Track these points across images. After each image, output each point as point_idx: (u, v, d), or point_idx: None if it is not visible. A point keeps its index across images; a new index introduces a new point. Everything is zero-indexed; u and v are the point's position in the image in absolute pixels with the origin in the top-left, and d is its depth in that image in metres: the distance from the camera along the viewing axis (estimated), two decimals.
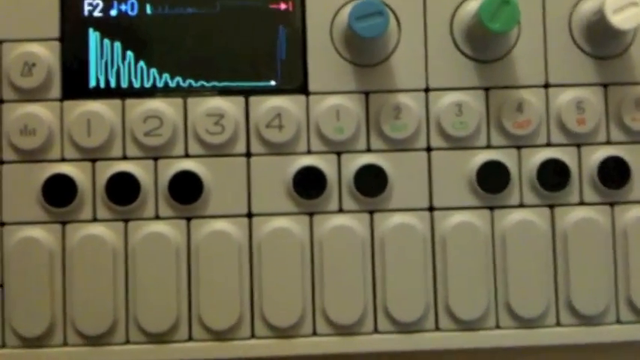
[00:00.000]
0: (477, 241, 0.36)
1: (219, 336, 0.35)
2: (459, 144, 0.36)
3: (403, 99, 0.36)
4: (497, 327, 0.36)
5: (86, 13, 0.36)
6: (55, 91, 0.36)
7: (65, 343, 0.35)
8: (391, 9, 0.36)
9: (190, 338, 0.35)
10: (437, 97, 0.36)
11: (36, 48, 0.36)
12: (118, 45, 0.36)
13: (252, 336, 0.35)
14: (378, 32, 0.34)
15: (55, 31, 0.36)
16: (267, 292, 0.35)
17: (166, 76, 0.36)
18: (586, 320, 0.36)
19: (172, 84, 0.36)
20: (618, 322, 0.36)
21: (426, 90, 0.36)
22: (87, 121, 0.35)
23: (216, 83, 0.36)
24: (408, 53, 0.36)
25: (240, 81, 0.36)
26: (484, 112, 0.36)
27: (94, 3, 0.36)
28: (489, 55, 0.37)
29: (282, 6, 0.37)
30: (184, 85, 0.36)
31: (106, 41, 0.36)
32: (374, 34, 0.34)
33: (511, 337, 0.36)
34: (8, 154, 0.35)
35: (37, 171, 0.35)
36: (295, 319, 0.35)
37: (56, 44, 0.36)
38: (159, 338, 0.35)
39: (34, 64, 0.35)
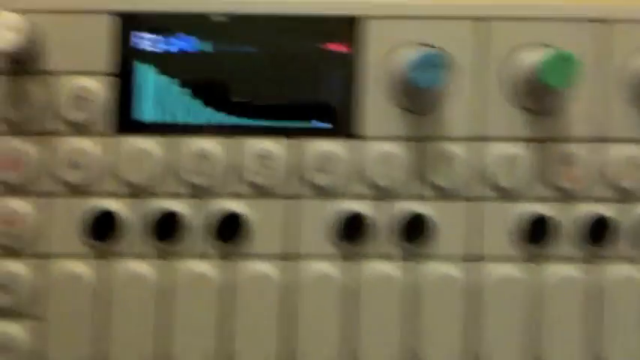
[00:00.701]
0: (518, 294, 0.36)
1: None
2: (507, 196, 0.36)
3: (455, 148, 0.36)
4: None
5: (138, 47, 0.36)
6: (106, 125, 0.36)
7: None
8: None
9: None
10: (489, 148, 0.36)
11: (89, 82, 0.36)
12: (168, 80, 0.36)
13: None
14: (437, 83, 0.34)
15: (108, 65, 0.36)
16: (304, 331, 0.35)
17: (215, 113, 0.36)
18: None
19: (221, 121, 0.36)
20: None
21: (480, 139, 0.36)
22: (136, 158, 0.36)
23: (268, 123, 0.36)
24: (461, 102, 0.36)
25: (290, 121, 0.36)
26: (535, 165, 0.36)
27: (146, 37, 0.36)
28: (543, 109, 0.36)
29: (336, 47, 0.37)
30: (233, 122, 0.36)
31: (156, 76, 0.36)
32: (433, 84, 0.34)
33: None
34: (53, 186, 0.36)
35: (84, 205, 0.36)
36: None
37: (109, 79, 0.36)
38: None
39: (86, 99, 0.36)
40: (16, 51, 0.34)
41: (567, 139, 0.36)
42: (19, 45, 0.34)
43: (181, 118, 0.36)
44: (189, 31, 0.36)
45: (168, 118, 0.36)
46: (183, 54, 0.37)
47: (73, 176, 0.36)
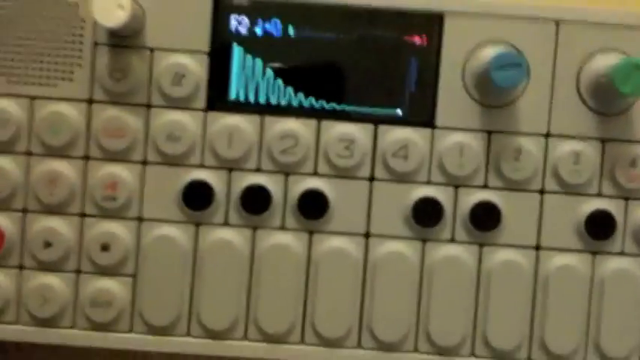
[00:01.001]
0: (579, 281, 0.39)
1: (329, 343, 0.39)
2: (571, 190, 0.39)
3: (524, 142, 0.38)
4: None
5: (233, 29, 0.39)
6: (201, 101, 0.38)
7: (189, 334, 0.39)
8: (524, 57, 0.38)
9: (303, 341, 0.39)
10: (556, 144, 0.39)
11: (186, 59, 0.38)
12: (259, 62, 0.39)
13: (359, 346, 0.39)
14: (515, 83, 0.36)
15: (204, 44, 0.38)
16: (377, 308, 0.38)
17: (301, 95, 0.39)
18: None
19: (306, 104, 0.39)
20: None
21: (547, 135, 0.39)
22: (228, 134, 0.38)
23: (346, 107, 0.39)
24: (534, 99, 0.39)
25: (370, 107, 0.39)
26: (599, 163, 0.39)
27: (241, 19, 0.39)
28: (611, 110, 0.39)
29: (417, 40, 0.39)
30: (317, 106, 0.39)
31: (248, 57, 0.39)
32: (511, 84, 0.36)
33: None
34: (153, 156, 0.38)
35: (178, 175, 0.38)
36: (400, 336, 0.39)
37: (204, 57, 0.38)
38: (276, 338, 0.39)
39: (183, 75, 0.38)
40: (123, 28, 0.36)
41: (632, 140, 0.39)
42: (127, 22, 0.36)
43: (265, 97, 0.39)
44: (279, 17, 0.39)
45: (254, 97, 0.39)
46: (271, 37, 0.39)
47: (170, 147, 0.38)
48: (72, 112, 0.38)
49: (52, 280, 0.38)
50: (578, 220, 0.39)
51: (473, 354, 0.39)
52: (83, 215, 0.39)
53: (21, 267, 0.39)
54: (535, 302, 0.39)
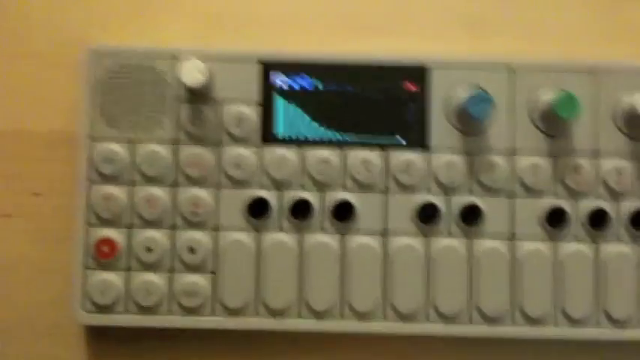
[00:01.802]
0: (543, 263, 0.51)
1: (361, 317, 0.50)
2: (533, 193, 0.51)
3: (496, 159, 0.51)
4: None
5: (276, 85, 0.52)
6: (257, 139, 0.51)
7: (257, 314, 0.50)
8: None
9: (342, 317, 0.50)
10: (519, 159, 0.51)
11: (244, 108, 0.51)
12: (298, 109, 0.52)
13: (384, 318, 0.50)
14: (487, 114, 0.49)
15: (257, 96, 0.51)
16: (397, 286, 0.50)
17: (329, 131, 0.51)
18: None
19: (333, 138, 0.51)
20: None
21: (512, 154, 0.51)
22: (278, 162, 0.50)
23: (364, 139, 0.51)
24: (500, 126, 0.51)
25: (380, 137, 0.51)
26: (552, 172, 0.51)
27: (282, 79, 0.52)
28: (557, 132, 0.51)
29: (411, 87, 0.52)
30: (341, 138, 0.51)
31: (290, 106, 0.52)
32: (483, 115, 0.49)
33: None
34: (224, 181, 0.50)
35: (244, 194, 0.50)
36: (414, 309, 0.50)
37: (257, 107, 0.51)
38: (322, 315, 0.50)
39: (243, 119, 0.51)
40: (200, 87, 0.49)
41: (575, 154, 0.52)
42: (203, 83, 0.49)
43: (304, 134, 0.51)
44: (309, 74, 0.51)
45: (295, 135, 0.51)
46: (304, 90, 0.52)
47: (236, 173, 0.50)
48: (163, 150, 0.50)
49: (153, 277, 0.50)
50: (540, 215, 0.51)
51: (470, 321, 0.51)
52: (174, 227, 0.50)
53: (129, 269, 0.50)
54: (513, 278, 0.51)
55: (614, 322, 0.51)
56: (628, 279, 0.51)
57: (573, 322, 0.51)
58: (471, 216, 0.51)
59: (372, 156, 0.51)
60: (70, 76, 0.52)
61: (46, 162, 0.53)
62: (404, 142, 0.51)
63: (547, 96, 0.51)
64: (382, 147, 0.51)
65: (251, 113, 0.51)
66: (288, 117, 0.51)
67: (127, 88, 0.51)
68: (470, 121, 0.51)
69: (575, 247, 0.51)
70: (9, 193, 0.53)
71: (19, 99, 0.53)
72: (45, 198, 0.53)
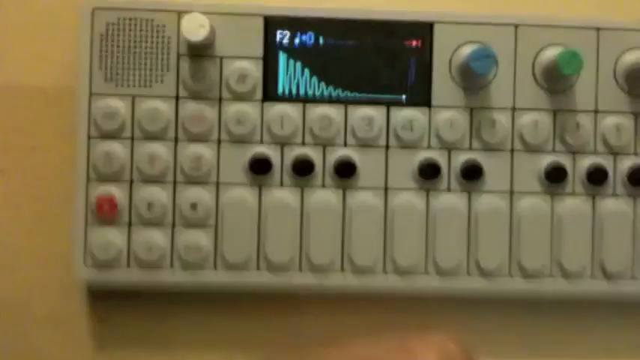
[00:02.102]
0: (542, 218, 0.51)
1: (362, 270, 0.51)
2: (533, 149, 0.52)
3: (497, 115, 0.51)
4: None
5: (278, 40, 0.51)
6: (258, 95, 0.51)
7: (258, 268, 0.50)
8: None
9: (342, 270, 0.51)
10: (520, 115, 0.51)
11: (246, 64, 0.50)
12: (299, 64, 0.51)
13: (384, 272, 0.51)
14: (489, 70, 0.49)
15: (259, 52, 0.51)
16: (397, 242, 0.51)
17: (331, 88, 0.51)
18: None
19: (335, 94, 0.51)
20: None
21: (513, 109, 0.52)
22: (280, 118, 0.50)
23: (365, 95, 0.51)
24: (502, 83, 0.51)
25: (382, 95, 0.51)
26: (552, 128, 0.52)
27: (284, 34, 0.51)
28: (558, 88, 0.52)
29: (414, 43, 0.52)
30: (343, 95, 0.51)
31: (291, 61, 0.51)
32: (485, 71, 0.49)
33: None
34: (225, 137, 0.50)
35: (245, 150, 0.50)
36: (415, 263, 0.51)
37: (259, 62, 0.51)
38: (323, 270, 0.50)
39: (245, 76, 0.50)
40: (202, 42, 0.49)
41: (575, 110, 0.52)
42: (205, 37, 0.48)
43: (304, 91, 0.51)
44: (312, 30, 0.51)
45: (295, 91, 0.51)
46: (304, 45, 0.52)
47: (238, 129, 0.50)
48: (164, 106, 0.50)
49: (155, 233, 0.50)
50: (539, 171, 0.51)
51: (468, 274, 0.52)
52: (175, 183, 0.50)
53: (130, 225, 0.50)
54: (512, 233, 0.51)
55: (610, 276, 0.52)
56: (624, 234, 0.52)
57: (569, 275, 0.51)
58: (471, 172, 0.51)
59: (374, 113, 0.51)
60: (70, 30, 0.51)
61: (45, 117, 0.52)
62: (405, 99, 0.51)
63: (550, 53, 0.51)
64: (384, 104, 0.51)
65: (253, 69, 0.50)
66: (290, 74, 0.51)
67: (128, 43, 0.50)
68: (472, 77, 0.51)
69: (573, 202, 0.52)
70: (6, 148, 0.52)
71: (17, 54, 0.52)
72: (43, 153, 0.52)
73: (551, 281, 0.51)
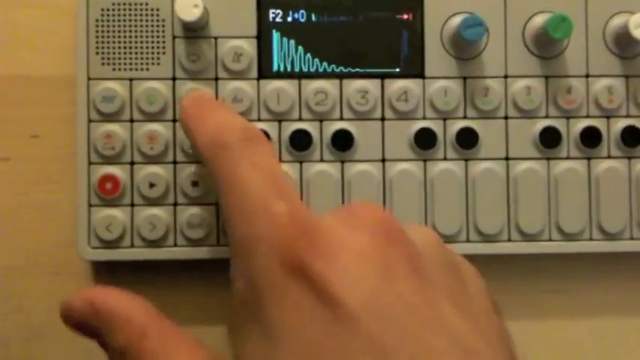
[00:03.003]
0: (538, 182, 0.52)
1: None
2: (527, 114, 0.53)
3: (490, 83, 0.52)
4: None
5: (271, 19, 0.52)
6: (254, 72, 0.51)
7: None
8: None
9: None
10: (512, 82, 0.52)
11: (241, 43, 0.51)
12: (292, 42, 0.52)
13: None
14: (479, 37, 0.50)
15: (253, 31, 0.52)
16: (398, 208, 0.51)
17: (325, 64, 0.52)
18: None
19: (329, 69, 0.52)
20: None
21: (505, 77, 0.52)
22: (276, 94, 0.51)
23: (359, 69, 0.52)
24: (494, 51, 0.52)
25: (377, 68, 0.52)
26: (545, 93, 0.53)
27: (277, 12, 0.52)
28: (549, 54, 0.53)
29: (405, 16, 0.53)
30: (337, 70, 0.52)
31: (285, 39, 0.52)
32: (476, 38, 0.50)
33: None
34: None
35: None
36: None
37: (254, 40, 0.52)
38: None
39: (240, 54, 0.51)
40: (196, 22, 0.49)
41: (567, 75, 0.53)
42: (199, 17, 0.49)
43: (299, 67, 0.52)
44: (303, 7, 0.52)
45: (290, 68, 0.52)
46: (297, 22, 0.52)
47: (236, 107, 0.51)
48: (161, 87, 0.51)
49: (157, 211, 0.51)
50: (533, 135, 0.52)
51: (468, 240, 0.53)
52: (176, 162, 0.51)
53: (132, 204, 0.51)
54: (509, 197, 0.52)
55: (607, 235, 0.53)
56: (620, 193, 0.53)
57: (568, 236, 0.52)
58: (466, 139, 0.52)
59: (369, 85, 0.52)
60: (66, 18, 0.52)
61: (45, 105, 0.53)
62: (399, 71, 0.52)
63: (540, 19, 0.52)
64: (378, 76, 0.52)
65: (248, 48, 0.51)
66: (284, 51, 0.52)
67: (123, 26, 0.51)
68: (464, 45, 0.52)
69: (568, 165, 0.52)
70: (7, 137, 0.53)
71: (14, 44, 0.53)
72: (44, 140, 0.53)
73: (550, 242, 0.52)
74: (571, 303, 0.55)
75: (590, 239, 0.52)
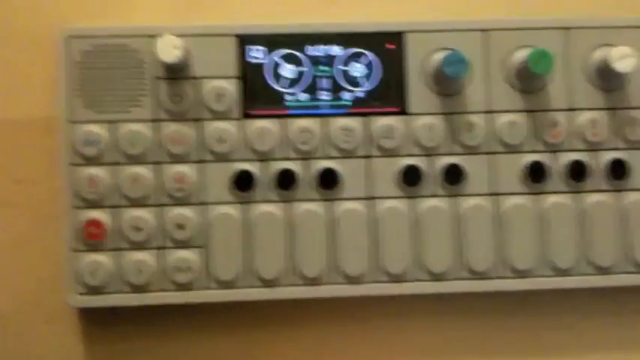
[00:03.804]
0: (526, 217, 0.52)
1: (352, 280, 0.51)
2: (512, 149, 0.52)
3: (474, 118, 0.52)
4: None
5: (253, 57, 0.52)
6: (238, 112, 0.51)
7: (249, 285, 0.50)
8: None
9: (331, 282, 0.51)
10: (497, 117, 0.52)
11: (223, 83, 0.51)
12: (275, 79, 0.51)
13: (374, 280, 0.51)
14: (462, 74, 0.50)
15: (235, 71, 0.51)
16: (386, 247, 0.51)
17: (307, 98, 0.52)
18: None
19: (314, 106, 0.52)
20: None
21: (489, 112, 0.52)
22: (260, 134, 0.51)
23: (344, 106, 0.52)
24: (476, 86, 0.52)
25: (360, 106, 0.52)
26: (529, 127, 0.52)
27: (258, 50, 0.52)
28: (531, 89, 0.52)
29: (386, 53, 0.52)
30: (322, 106, 0.52)
31: (267, 77, 0.51)
32: (458, 75, 0.50)
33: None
34: (208, 156, 0.50)
35: (228, 167, 0.50)
36: (404, 268, 0.51)
37: (236, 80, 0.51)
38: (313, 281, 0.50)
39: (222, 95, 0.51)
40: (177, 63, 0.49)
41: (550, 109, 0.53)
42: (180, 58, 0.49)
43: (287, 105, 0.52)
44: (285, 46, 0.52)
45: (277, 106, 0.52)
46: (280, 61, 0.52)
47: (219, 147, 0.50)
48: (144, 129, 0.50)
49: (143, 255, 0.50)
50: (520, 170, 0.52)
51: (459, 277, 0.52)
52: (161, 205, 0.50)
53: (118, 249, 0.50)
54: (499, 234, 0.52)
55: (599, 270, 0.52)
56: (609, 226, 0.52)
57: (559, 272, 0.52)
58: (453, 176, 0.52)
59: (353, 123, 0.52)
60: (47, 60, 0.52)
61: (27, 149, 0.52)
62: (383, 108, 0.52)
63: (521, 54, 0.52)
64: (361, 114, 0.52)
65: (230, 88, 0.51)
66: (267, 89, 0.52)
67: (104, 68, 0.50)
68: (446, 81, 0.52)
69: (556, 199, 0.52)
70: None
71: None
72: (28, 185, 0.52)
73: (542, 278, 0.52)
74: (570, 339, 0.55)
75: (582, 274, 0.52)
